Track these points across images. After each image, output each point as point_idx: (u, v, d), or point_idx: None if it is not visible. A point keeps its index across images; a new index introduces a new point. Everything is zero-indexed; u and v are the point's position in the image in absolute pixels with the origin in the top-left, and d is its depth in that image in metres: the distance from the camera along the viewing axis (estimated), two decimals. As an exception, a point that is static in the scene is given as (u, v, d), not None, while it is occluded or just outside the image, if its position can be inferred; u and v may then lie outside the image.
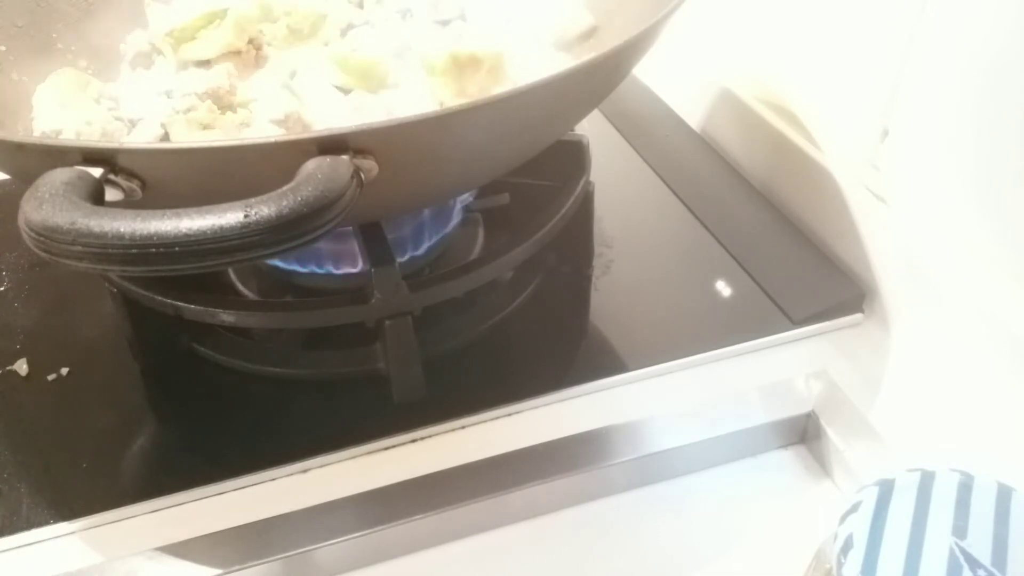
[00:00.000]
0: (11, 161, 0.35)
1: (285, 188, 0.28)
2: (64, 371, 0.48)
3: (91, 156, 0.30)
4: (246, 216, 0.27)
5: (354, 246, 0.47)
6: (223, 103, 0.46)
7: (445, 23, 0.54)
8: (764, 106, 0.60)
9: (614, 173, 0.62)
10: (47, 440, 0.44)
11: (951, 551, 0.26)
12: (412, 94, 0.48)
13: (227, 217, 0.27)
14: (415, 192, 0.41)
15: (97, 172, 0.30)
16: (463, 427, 0.44)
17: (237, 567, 0.38)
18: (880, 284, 0.49)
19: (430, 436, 0.44)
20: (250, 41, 0.51)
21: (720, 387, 0.46)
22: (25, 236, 0.28)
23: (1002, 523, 0.27)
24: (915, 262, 0.46)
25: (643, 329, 0.49)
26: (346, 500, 0.40)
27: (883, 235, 0.49)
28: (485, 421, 0.44)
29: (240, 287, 0.51)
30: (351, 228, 0.45)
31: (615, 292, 0.52)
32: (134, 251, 0.27)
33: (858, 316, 0.50)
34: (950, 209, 0.44)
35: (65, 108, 0.48)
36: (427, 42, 0.51)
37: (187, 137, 0.44)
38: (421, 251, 0.49)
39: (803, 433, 0.44)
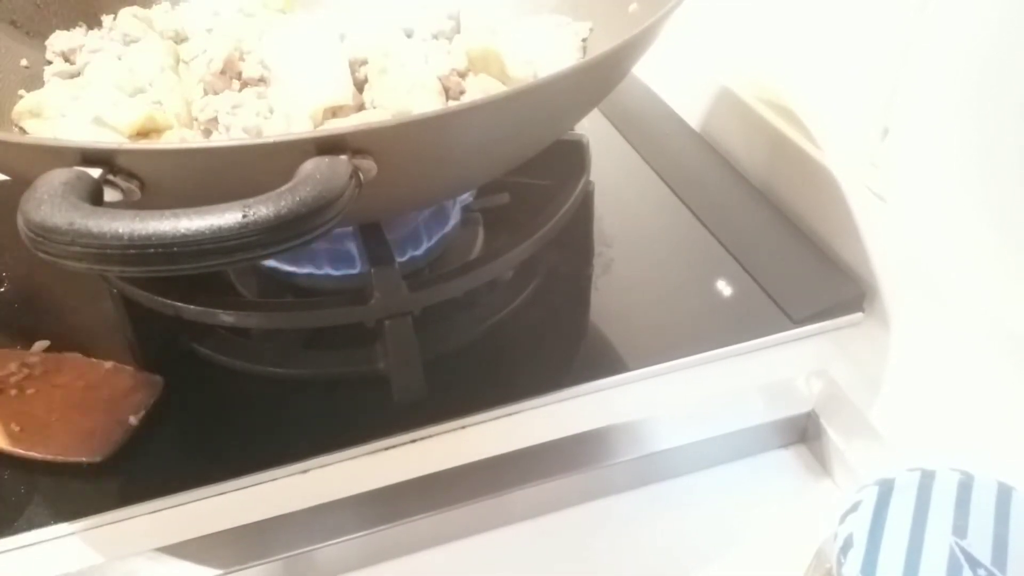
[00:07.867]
0: (10, 161, 0.35)
1: (283, 188, 0.28)
2: (64, 371, 0.48)
3: (90, 156, 0.30)
4: (244, 216, 0.27)
5: (353, 246, 0.47)
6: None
7: (437, 36, 0.54)
8: (764, 106, 0.60)
9: (614, 173, 0.62)
10: (47, 440, 0.44)
11: (951, 551, 0.26)
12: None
13: (225, 217, 0.27)
14: (414, 192, 0.41)
15: (96, 172, 0.30)
16: (463, 427, 0.44)
17: (237, 567, 0.38)
18: (880, 283, 0.49)
19: (430, 436, 0.44)
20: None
21: (720, 387, 0.46)
22: (24, 236, 0.28)
23: (1002, 523, 0.27)
24: (915, 261, 0.46)
25: (643, 329, 0.49)
26: (346, 500, 0.40)
27: (883, 234, 0.49)
28: (485, 421, 0.44)
29: (240, 287, 0.51)
30: (351, 228, 0.45)
31: (615, 292, 0.52)
32: (132, 252, 0.27)
33: (858, 315, 0.50)
34: (950, 207, 0.44)
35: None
36: (426, 51, 0.51)
37: None
38: (421, 251, 0.49)
39: (803, 433, 0.44)
